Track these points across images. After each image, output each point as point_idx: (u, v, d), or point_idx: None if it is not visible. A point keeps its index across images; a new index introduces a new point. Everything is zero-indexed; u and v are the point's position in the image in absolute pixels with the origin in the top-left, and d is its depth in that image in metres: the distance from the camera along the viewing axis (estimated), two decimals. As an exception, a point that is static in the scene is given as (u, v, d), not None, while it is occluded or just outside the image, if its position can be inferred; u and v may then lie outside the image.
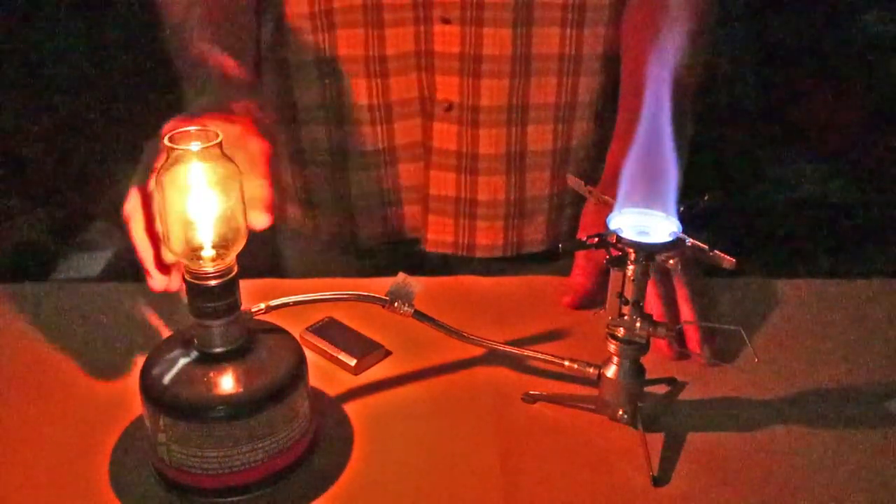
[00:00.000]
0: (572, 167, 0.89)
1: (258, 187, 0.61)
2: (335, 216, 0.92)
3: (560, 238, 0.91)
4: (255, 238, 0.60)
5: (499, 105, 0.84)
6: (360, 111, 0.86)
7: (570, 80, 0.85)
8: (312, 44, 0.84)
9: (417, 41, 0.82)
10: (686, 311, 0.67)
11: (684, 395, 0.63)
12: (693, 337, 0.66)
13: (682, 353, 0.66)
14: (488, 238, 0.90)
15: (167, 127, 0.57)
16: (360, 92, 0.85)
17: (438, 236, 0.90)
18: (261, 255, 0.87)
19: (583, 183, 0.60)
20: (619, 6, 0.84)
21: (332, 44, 0.83)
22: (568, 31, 0.82)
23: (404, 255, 0.92)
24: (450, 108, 0.84)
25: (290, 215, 0.96)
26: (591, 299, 0.73)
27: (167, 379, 0.52)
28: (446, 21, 0.81)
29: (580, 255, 0.75)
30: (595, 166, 0.89)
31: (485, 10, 0.80)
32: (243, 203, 0.52)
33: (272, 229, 1.00)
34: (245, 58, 0.76)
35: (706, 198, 0.57)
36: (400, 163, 0.88)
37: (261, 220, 0.61)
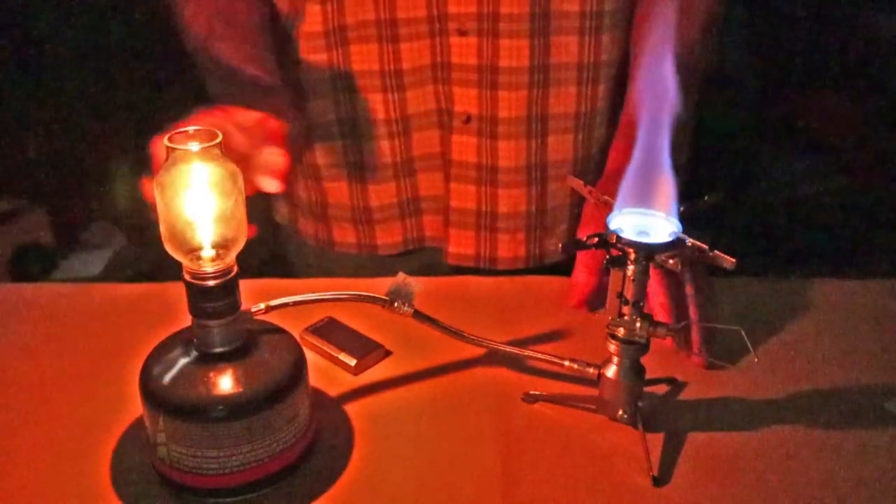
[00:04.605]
0: (593, 175, 0.88)
1: (273, 154, 0.63)
2: (354, 227, 0.92)
3: None
4: (257, 238, 0.60)
5: (517, 116, 0.83)
6: (377, 125, 0.85)
7: (590, 88, 0.84)
8: (326, 61, 0.84)
9: (433, 54, 0.81)
10: (690, 310, 0.67)
11: (684, 395, 0.63)
12: (693, 338, 0.66)
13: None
14: (510, 250, 0.89)
15: (190, 118, 0.58)
16: (377, 106, 0.84)
17: (460, 249, 0.89)
18: (262, 255, 0.87)
19: (582, 183, 0.60)
20: (633, 8, 0.84)
21: (346, 60, 0.83)
22: (587, 38, 0.81)
23: (424, 264, 0.91)
24: (468, 120, 0.83)
25: (304, 229, 0.96)
26: (597, 296, 0.72)
27: (167, 379, 0.52)
28: (463, 33, 0.80)
29: (582, 252, 0.74)
30: None
31: (501, 21, 0.79)
32: (243, 203, 0.52)
33: (285, 241, 1.01)
34: (269, 65, 0.78)
35: (706, 198, 0.57)
36: (418, 173, 0.88)
37: (271, 185, 0.62)
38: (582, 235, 0.55)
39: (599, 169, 0.88)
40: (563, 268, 0.82)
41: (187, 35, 0.85)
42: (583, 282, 0.72)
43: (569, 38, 0.81)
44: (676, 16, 0.55)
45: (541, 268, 0.90)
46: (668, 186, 0.53)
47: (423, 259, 0.91)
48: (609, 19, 0.81)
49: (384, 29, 0.81)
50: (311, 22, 0.83)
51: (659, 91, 0.53)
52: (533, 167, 0.85)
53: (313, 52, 0.84)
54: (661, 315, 0.65)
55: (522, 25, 0.79)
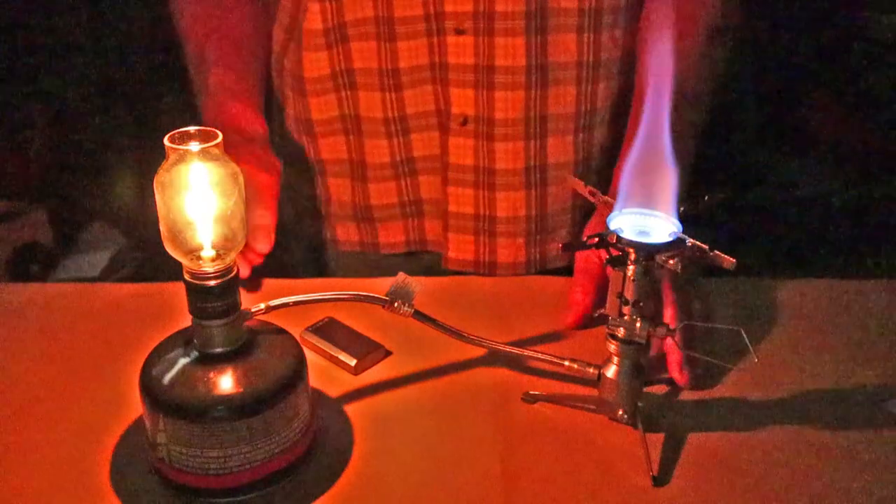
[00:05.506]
0: (594, 176, 0.87)
1: (261, 217, 0.73)
2: (356, 225, 0.92)
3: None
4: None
5: (515, 118, 0.82)
6: (377, 124, 0.85)
7: (590, 87, 0.83)
8: (327, 58, 0.84)
9: (431, 53, 0.81)
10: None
11: (684, 395, 0.63)
12: (674, 360, 0.64)
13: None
14: (510, 256, 0.88)
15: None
16: (376, 105, 0.84)
17: (459, 254, 0.88)
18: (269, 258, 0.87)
19: (583, 184, 0.60)
20: (634, 6, 0.83)
21: (346, 57, 0.83)
22: (585, 36, 0.80)
23: (427, 265, 0.91)
24: (465, 122, 0.82)
25: (309, 227, 0.96)
26: (592, 315, 0.71)
27: (167, 379, 0.52)
28: (460, 32, 0.79)
29: (578, 272, 0.73)
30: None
31: (497, 19, 0.78)
32: (243, 203, 0.52)
33: (290, 242, 1.02)
34: (255, 99, 0.84)
35: (706, 198, 0.56)
36: (419, 175, 0.87)
37: (262, 246, 0.73)
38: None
39: (600, 170, 0.87)
40: (565, 271, 0.83)
41: (182, 48, 0.88)
42: (579, 301, 0.71)
43: (567, 36, 0.80)
44: (674, 29, 0.55)
45: (542, 272, 0.89)
46: (669, 185, 0.53)
47: (425, 261, 0.91)
48: (608, 17, 0.81)
49: (382, 27, 0.80)
50: (312, 19, 0.83)
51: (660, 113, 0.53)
52: (532, 170, 0.85)
53: (315, 50, 0.84)
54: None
55: (518, 23, 0.78)
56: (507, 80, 0.80)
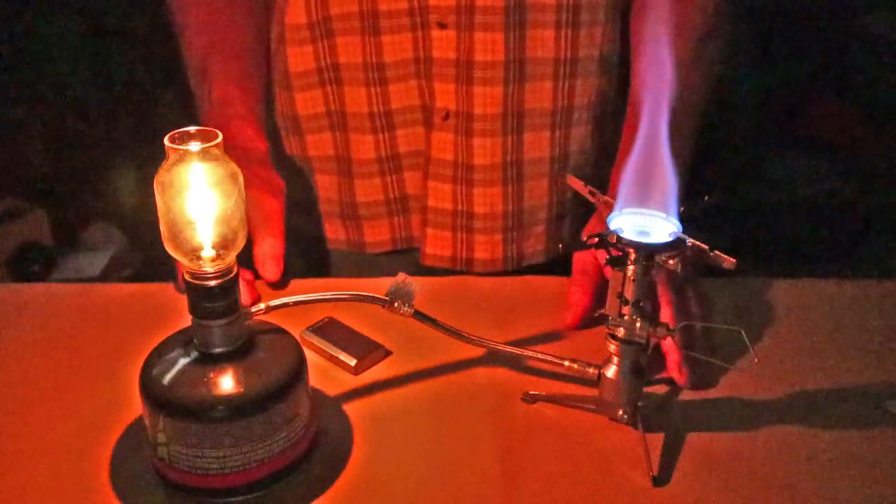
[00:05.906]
0: (571, 173, 0.87)
1: (271, 246, 0.75)
2: (342, 223, 0.92)
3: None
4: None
5: (493, 113, 0.82)
6: (362, 119, 0.85)
7: (567, 83, 0.83)
8: (312, 53, 0.84)
9: (416, 48, 0.81)
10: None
11: (684, 395, 0.63)
12: (673, 360, 0.64)
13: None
14: (487, 252, 0.88)
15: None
16: (361, 100, 0.84)
17: (436, 250, 0.88)
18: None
19: (582, 183, 0.60)
20: (615, 5, 0.83)
21: (331, 52, 0.83)
22: (563, 32, 0.81)
23: (412, 264, 0.91)
24: (447, 116, 0.83)
25: (297, 224, 0.96)
26: (591, 315, 0.71)
27: (167, 379, 0.52)
28: (443, 26, 0.79)
29: (576, 272, 0.73)
30: (595, 171, 0.87)
31: (477, 13, 0.78)
32: (243, 203, 0.52)
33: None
34: (257, 114, 0.84)
35: (706, 198, 0.56)
36: (404, 171, 0.87)
37: (272, 273, 0.75)
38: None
39: (578, 167, 0.88)
40: (543, 269, 0.82)
41: (185, 60, 0.87)
42: (578, 301, 0.71)
43: (545, 31, 0.80)
44: (670, 32, 0.55)
45: (519, 270, 0.89)
46: (668, 186, 0.53)
47: (415, 260, 0.91)
48: (587, 14, 0.81)
49: (367, 21, 0.81)
50: (296, 13, 0.83)
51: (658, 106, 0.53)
52: (509, 165, 0.85)
53: (300, 44, 0.84)
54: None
55: (497, 18, 0.79)
56: (485, 75, 0.81)
